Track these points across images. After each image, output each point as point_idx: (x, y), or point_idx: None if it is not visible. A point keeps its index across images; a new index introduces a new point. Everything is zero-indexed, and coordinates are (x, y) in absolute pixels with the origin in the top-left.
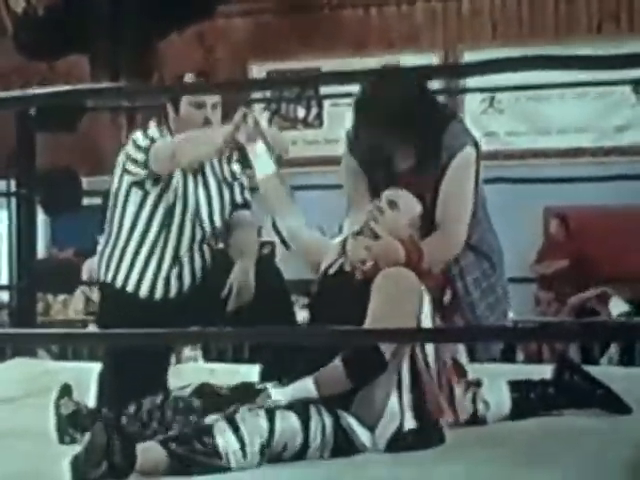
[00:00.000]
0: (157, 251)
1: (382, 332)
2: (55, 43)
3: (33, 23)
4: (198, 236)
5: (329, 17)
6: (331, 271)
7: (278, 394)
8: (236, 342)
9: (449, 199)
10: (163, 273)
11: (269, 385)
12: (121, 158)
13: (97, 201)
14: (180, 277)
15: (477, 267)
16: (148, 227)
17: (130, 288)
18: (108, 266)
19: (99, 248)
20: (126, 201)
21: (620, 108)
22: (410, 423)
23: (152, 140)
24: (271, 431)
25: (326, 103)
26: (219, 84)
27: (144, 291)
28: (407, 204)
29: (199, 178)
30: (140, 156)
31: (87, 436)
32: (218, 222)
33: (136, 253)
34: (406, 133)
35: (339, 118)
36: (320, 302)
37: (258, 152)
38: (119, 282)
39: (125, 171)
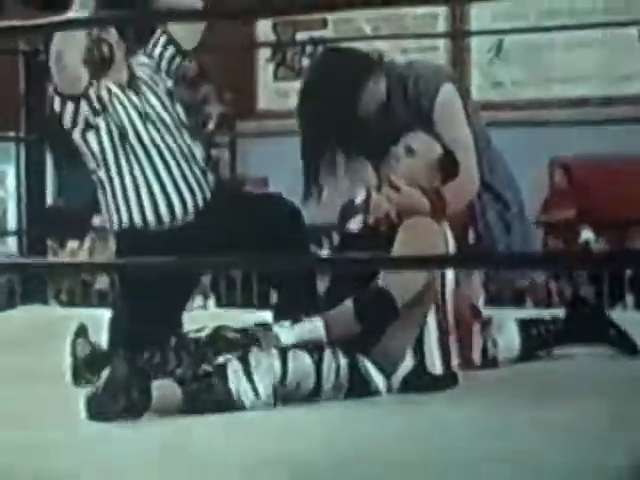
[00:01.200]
0: (139, 178)
1: (409, 260)
2: None
3: None
4: (176, 153)
5: None
6: (353, 227)
7: (286, 335)
8: (259, 269)
9: (449, 142)
10: (159, 199)
11: (277, 326)
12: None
13: None
14: (183, 202)
15: (495, 202)
16: (117, 158)
17: (137, 223)
18: (110, 212)
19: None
20: (89, 148)
21: (626, 57)
22: (433, 368)
23: None
24: (284, 371)
25: None
26: (213, 11)
27: (151, 221)
28: (424, 147)
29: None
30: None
31: (106, 370)
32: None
33: (124, 188)
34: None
35: None
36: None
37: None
38: (125, 221)
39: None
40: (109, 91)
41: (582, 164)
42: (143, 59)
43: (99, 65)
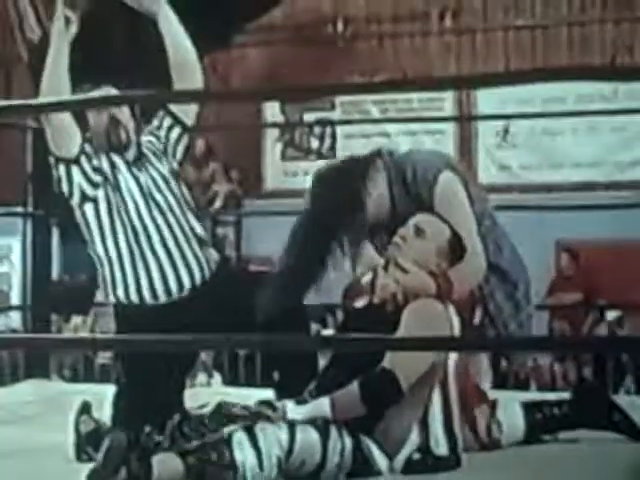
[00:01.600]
0: (136, 253)
1: (411, 340)
2: (71, 73)
3: (47, 52)
4: (174, 229)
5: (343, 49)
6: (359, 305)
7: (295, 412)
8: (261, 349)
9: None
10: (155, 275)
11: (286, 402)
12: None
13: None
14: (178, 278)
15: (502, 283)
16: (115, 232)
17: (134, 298)
18: (107, 287)
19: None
20: (85, 219)
21: (634, 143)
22: (438, 448)
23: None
24: (291, 444)
25: (339, 134)
26: (217, 93)
27: (147, 297)
28: (434, 230)
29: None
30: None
31: (106, 442)
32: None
33: (121, 263)
34: None
35: (353, 149)
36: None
37: None
38: (122, 297)
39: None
40: (112, 165)
41: (589, 247)
42: (150, 138)
43: (115, 147)
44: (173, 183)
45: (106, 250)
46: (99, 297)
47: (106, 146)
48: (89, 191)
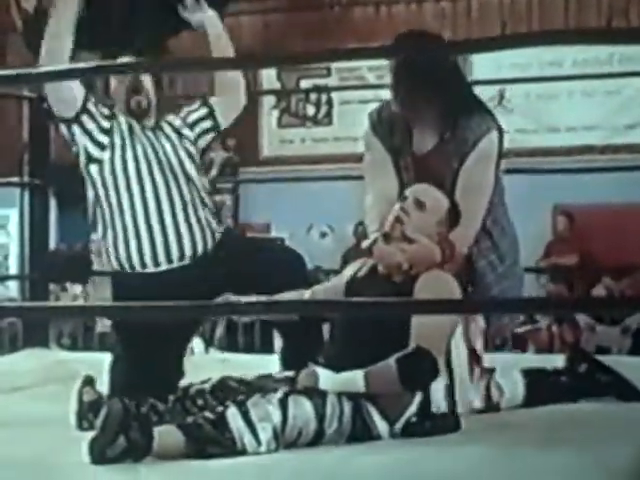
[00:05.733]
0: (140, 219)
1: (404, 304)
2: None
3: (42, 20)
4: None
5: (339, 15)
6: (361, 273)
7: (327, 382)
8: (263, 314)
9: (471, 188)
10: (159, 240)
11: (318, 369)
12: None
13: None
14: (180, 245)
15: (491, 252)
16: (119, 195)
17: (136, 265)
18: (108, 253)
19: (97, 241)
20: (92, 180)
21: (629, 106)
22: (439, 411)
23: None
24: (284, 417)
25: (336, 101)
26: (214, 60)
27: (149, 264)
28: (434, 202)
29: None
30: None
31: (103, 411)
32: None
33: (124, 228)
34: (435, 104)
35: (349, 116)
36: None
37: None
38: (124, 264)
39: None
40: (130, 127)
41: (585, 211)
42: (177, 121)
43: (134, 113)
44: (187, 159)
45: (111, 213)
46: (97, 265)
47: (125, 111)
48: (95, 152)
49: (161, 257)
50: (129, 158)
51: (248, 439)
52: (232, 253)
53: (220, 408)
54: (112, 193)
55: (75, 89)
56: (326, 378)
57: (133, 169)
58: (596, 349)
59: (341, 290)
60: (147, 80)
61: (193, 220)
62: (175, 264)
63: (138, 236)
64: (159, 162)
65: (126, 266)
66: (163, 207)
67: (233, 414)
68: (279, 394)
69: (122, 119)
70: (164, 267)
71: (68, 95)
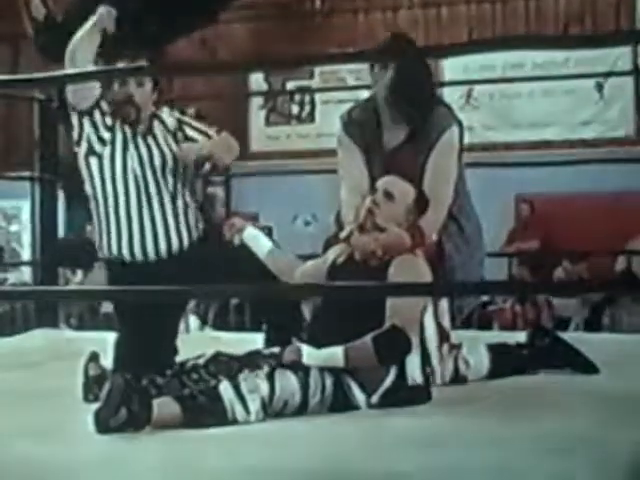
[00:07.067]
0: (134, 212)
1: (380, 287)
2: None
3: (52, 28)
4: (164, 192)
5: (321, 23)
6: (340, 260)
7: (310, 357)
8: (242, 298)
9: (437, 178)
10: (147, 233)
11: (302, 345)
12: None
13: None
14: (168, 237)
15: (456, 235)
16: (115, 188)
17: (125, 255)
18: (101, 243)
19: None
20: (90, 172)
21: (584, 104)
22: (414, 383)
23: None
24: (271, 389)
25: (318, 101)
26: (210, 63)
27: (138, 255)
28: (402, 193)
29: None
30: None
31: (107, 384)
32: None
33: (117, 220)
34: (415, 103)
35: (330, 115)
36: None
37: (251, 235)
38: (115, 252)
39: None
40: (123, 130)
41: (544, 200)
42: (171, 122)
43: (125, 120)
44: (169, 157)
45: (106, 205)
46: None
47: (118, 117)
48: (96, 146)
49: (149, 248)
50: (127, 157)
51: (239, 410)
52: (209, 250)
53: (213, 382)
54: (109, 187)
55: (95, 87)
56: (309, 354)
57: (129, 167)
58: (558, 321)
59: (324, 274)
60: (143, 91)
61: (181, 218)
62: (163, 256)
63: (130, 230)
64: (151, 163)
65: (117, 255)
66: (153, 204)
67: (225, 387)
68: (267, 368)
69: (118, 121)
70: (152, 258)
71: (89, 93)
